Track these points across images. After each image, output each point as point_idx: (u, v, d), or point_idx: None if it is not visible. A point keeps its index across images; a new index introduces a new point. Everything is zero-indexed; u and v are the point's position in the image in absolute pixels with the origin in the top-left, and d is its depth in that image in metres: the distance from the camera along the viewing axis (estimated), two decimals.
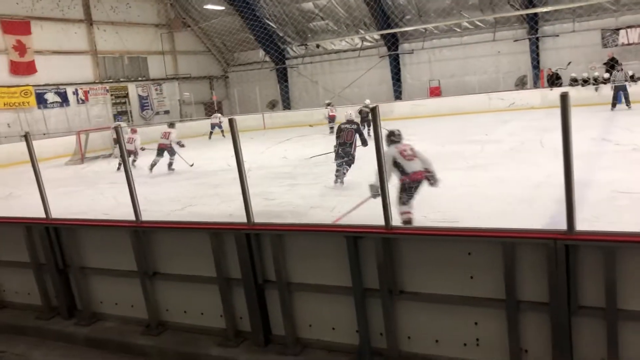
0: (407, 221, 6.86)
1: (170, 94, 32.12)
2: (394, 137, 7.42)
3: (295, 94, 33.04)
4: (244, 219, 5.48)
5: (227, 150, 5.41)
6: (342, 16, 29.32)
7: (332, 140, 10.35)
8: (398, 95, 29.19)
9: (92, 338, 6.39)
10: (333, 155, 10.02)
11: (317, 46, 31.38)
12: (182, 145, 13.83)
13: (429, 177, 7.05)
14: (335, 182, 9.59)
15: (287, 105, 32.97)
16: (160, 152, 13.13)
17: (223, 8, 30.00)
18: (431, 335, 5.08)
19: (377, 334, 5.25)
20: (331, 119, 22.63)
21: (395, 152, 7.15)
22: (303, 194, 8.71)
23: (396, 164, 7.02)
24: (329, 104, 24.22)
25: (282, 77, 33.00)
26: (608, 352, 4.35)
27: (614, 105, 20.05)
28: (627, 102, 19.86)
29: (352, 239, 5.07)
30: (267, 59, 33.01)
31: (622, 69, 20.57)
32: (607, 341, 4.34)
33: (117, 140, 6.19)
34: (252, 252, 5.55)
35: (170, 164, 13.69)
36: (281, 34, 31.95)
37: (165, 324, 6.37)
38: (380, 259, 5.00)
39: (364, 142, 9.02)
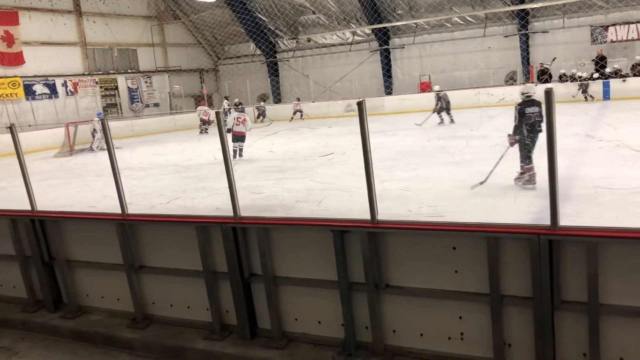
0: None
1: (160, 87, 31.92)
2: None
3: (286, 88, 32.96)
4: (230, 213, 5.48)
5: (215, 144, 5.39)
6: (334, 10, 29.25)
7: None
8: (389, 90, 29.22)
9: (78, 331, 6.37)
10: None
11: (308, 40, 31.30)
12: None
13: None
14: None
15: (278, 99, 32.89)
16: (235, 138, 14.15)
17: (214, 0, 29.84)
18: (416, 329, 5.11)
19: (362, 327, 5.28)
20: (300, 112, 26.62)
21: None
22: (290, 187, 8.71)
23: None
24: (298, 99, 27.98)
25: (273, 70, 32.89)
26: (590, 346, 4.40)
27: None
28: None
29: (339, 233, 5.09)
30: (258, 52, 32.88)
31: None
32: (588, 336, 4.39)
33: (104, 134, 6.18)
34: (238, 245, 5.55)
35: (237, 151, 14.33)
36: (272, 27, 31.82)
37: (152, 317, 6.36)
38: (366, 253, 5.02)
39: None
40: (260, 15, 30.99)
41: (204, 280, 5.84)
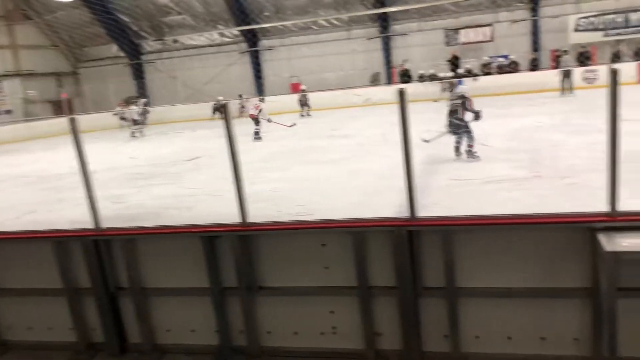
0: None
1: (12, 92, 29.28)
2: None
3: (154, 90, 31.77)
4: (91, 225, 5.19)
5: (71, 152, 5.07)
6: (200, 11, 28.70)
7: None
8: (260, 91, 29.26)
9: None
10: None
11: (175, 41, 30.43)
12: (269, 121, 16.22)
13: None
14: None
15: (146, 102, 31.60)
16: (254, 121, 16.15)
17: (70, 0, 27.98)
18: (290, 328, 5.19)
19: (237, 331, 5.26)
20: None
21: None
22: (156, 194, 8.39)
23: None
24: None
25: (139, 73, 31.56)
26: (450, 327, 4.74)
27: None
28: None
29: (208, 239, 5.02)
30: (121, 54, 31.38)
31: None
32: (448, 318, 4.72)
33: None
34: (101, 258, 5.28)
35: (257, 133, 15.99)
36: (135, 28, 30.52)
37: (7, 343, 5.87)
38: (238, 256, 5.00)
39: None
40: (121, 16, 29.58)
41: (65, 298, 5.48)
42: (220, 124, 4.74)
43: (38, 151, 18.03)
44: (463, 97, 10.02)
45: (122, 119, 24.21)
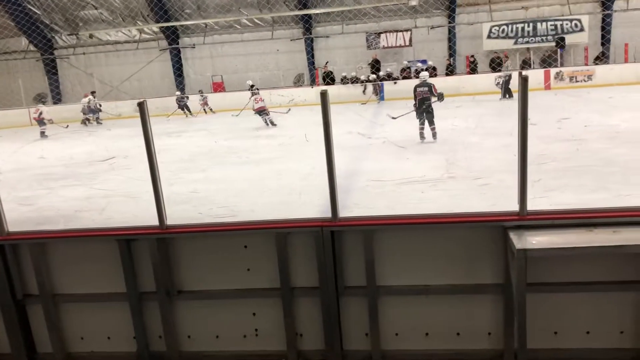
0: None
1: None
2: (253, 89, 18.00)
3: (68, 87, 30.29)
4: None
5: None
6: (117, 6, 27.69)
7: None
8: (182, 90, 28.59)
9: None
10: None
11: (91, 36, 29.17)
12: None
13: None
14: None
15: (58, 99, 30.08)
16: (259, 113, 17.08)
17: None
18: (212, 331, 5.10)
19: (155, 337, 5.10)
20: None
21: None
22: (68, 196, 7.99)
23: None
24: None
25: (51, 68, 29.99)
26: (370, 326, 4.81)
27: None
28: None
29: (125, 242, 4.84)
30: (32, 47, 29.70)
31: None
32: (369, 316, 4.79)
33: None
34: (7, 264, 4.97)
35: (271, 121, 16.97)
36: (47, 22, 28.99)
37: None
38: (156, 260, 4.85)
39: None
40: (32, 8, 28.00)
41: None
42: (138, 122, 4.56)
43: None
44: (429, 84, 11.14)
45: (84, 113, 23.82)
